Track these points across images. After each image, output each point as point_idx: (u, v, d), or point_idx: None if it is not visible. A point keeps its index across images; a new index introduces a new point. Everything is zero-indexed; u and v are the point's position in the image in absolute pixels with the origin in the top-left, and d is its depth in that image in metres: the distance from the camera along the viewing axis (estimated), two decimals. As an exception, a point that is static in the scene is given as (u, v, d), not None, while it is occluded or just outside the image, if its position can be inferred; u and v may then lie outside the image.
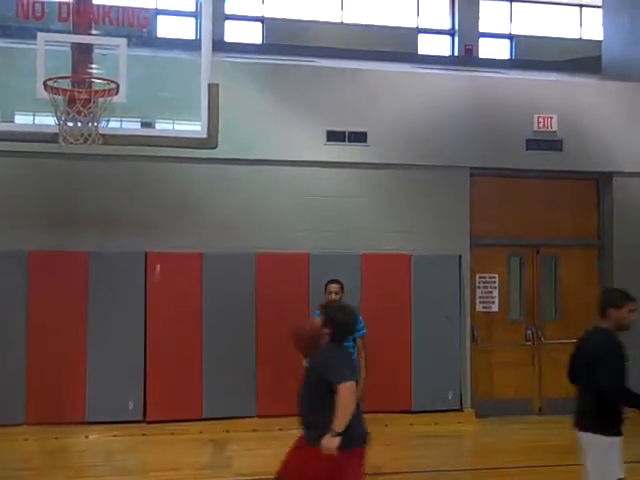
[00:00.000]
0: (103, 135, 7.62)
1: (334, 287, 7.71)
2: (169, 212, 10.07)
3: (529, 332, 11.24)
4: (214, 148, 8.50)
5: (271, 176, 10.38)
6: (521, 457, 8.91)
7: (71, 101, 7.28)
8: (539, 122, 11.13)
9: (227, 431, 9.67)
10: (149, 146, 8.47)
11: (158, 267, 9.96)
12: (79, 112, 7.19)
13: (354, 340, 7.51)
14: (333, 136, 10.58)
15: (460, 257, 10.85)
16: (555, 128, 11.15)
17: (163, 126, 10.09)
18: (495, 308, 11.02)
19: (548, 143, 11.17)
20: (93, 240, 9.82)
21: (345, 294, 7.95)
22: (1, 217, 9.64)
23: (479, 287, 11.01)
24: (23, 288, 9.53)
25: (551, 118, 11.15)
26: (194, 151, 9.65)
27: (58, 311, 9.62)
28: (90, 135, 7.34)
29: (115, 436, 9.44)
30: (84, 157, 9.67)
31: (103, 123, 7.55)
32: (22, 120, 9.45)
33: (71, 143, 7.39)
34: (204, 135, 8.25)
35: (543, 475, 8.21)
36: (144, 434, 9.51)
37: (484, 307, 11.02)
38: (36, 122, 8.92)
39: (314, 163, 10.50)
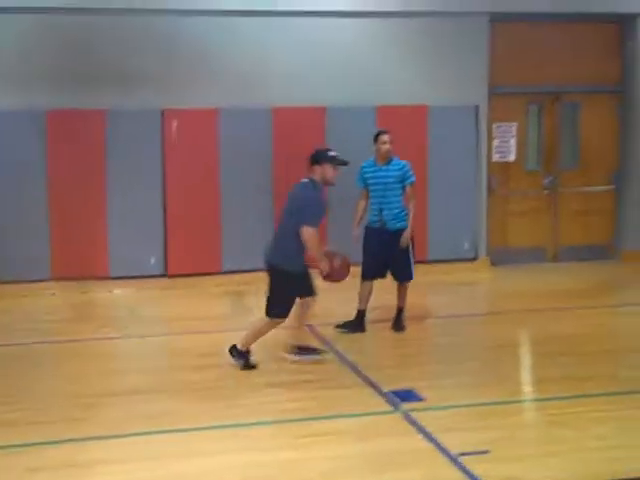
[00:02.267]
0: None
1: (386, 137, 7.70)
2: (184, 68, 9.95)
3: (546, 181, 11.22)
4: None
5: (284, 28, 10.15)
6: (534, 301, 9.09)
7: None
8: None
9: (245, 284, 9.90)
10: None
11: (175, 123, 9.94)
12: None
13: (403, 188, 7.64)
14: (348, -17, 10.26)
15: (477, 107, 10.71)
16: (579, -31, 10.72)
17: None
18: (512, 158, 10.96)
19: (571, -16, 10.76)
20: (110, 98, 9.76)
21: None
22: (17, 76, 9.58)
23: (496, 137, 10.90)
24: (41, 147, 9.59)
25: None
26: (204, 3, 9.47)
27: (77, 169, 9.72)
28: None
29: (138, 290, 9.72)
30: (95, 12, 9.56)
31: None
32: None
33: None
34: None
35: (556, 316, 8.39)
36: (166, 288, 9.79)
37: (500, 157, 10.95)
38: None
39: (329, 13, 10.21)
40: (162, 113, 9.85)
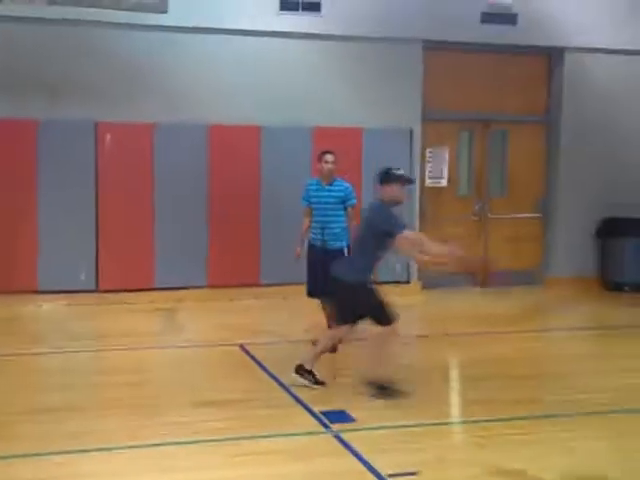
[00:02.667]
0: (49, -4, 7.32)
1: (329, 157, 7.78)
2: (120, 81, 9.90)
3: (477, 207, 11.46)
4: (164, 12, 8.27)
5: (222, 46, 10.19)
6: (463, 324, 9.28)
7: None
8: (495, -6, 11.01)
9: (178, 301, 9.84)
10: (97, 8, 8.15)
11: (108, 137, 9.85)
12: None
13: (345, 209, 7.75)
14: (286, 5, 10.35)
15: (411, 131, 10.89)
16: (510, 1, 11.03)
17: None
18: (444, 183, 11.18)
19: (503, 17, 11.07)
20: (42, 108, 9.62)
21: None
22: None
23: (429, 161, 11.11)
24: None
25: (506, -10, 11.02)
26: (145, 17, 9.42)
27: (6, 180, 9.54)
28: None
29: (68, 305, 9.56)
30: (32, 21, 9.42)
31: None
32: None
33: (17, 3, 7.06)
34: (155, -1, 8.00)
35: (484, 340, 8.56)
36: (96, 303, 9.66)
37: (433, 182, 11.16)
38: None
39: (266, 33, 10.30)
40: (96, 126, 9.74)
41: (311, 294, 7.87)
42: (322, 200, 7.78)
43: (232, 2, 10.11)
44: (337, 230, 7.73)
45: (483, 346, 8.28)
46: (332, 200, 7.74)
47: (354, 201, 7.83)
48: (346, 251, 7.66)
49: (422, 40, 10.87)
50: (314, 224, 7.82)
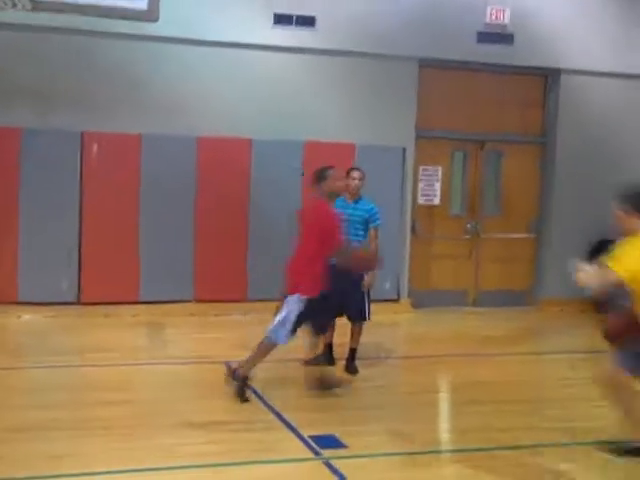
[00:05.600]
0: (33, 1, 7.12)
1: (356, 174, 7.60)
2: (108, 90, 9.67)
3: (469, 226, 11.32)
4: (155, 21, 8.10)
5: (214, 58, 10.00)
6: (454, 346, 9.09)
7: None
8: (491, 14, 10.89)
9: (164, 315, 9.61)
10: (83, 15, 7.96)
11: (95, 147, 9.64)
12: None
13: (366, 230, 7.53)
14: (281, 19, 10.19)
15: (404, 149, 10.75)
16: (507, 21, 10.93)
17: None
18: (437, 201, 11.03)
19: (499, 36, 10.96)
20: (27, 116, 9.39)
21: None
22: None
23: (422, 180, 10.97)
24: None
25: (503, 10, 10.91)
26: (135, 27, 9.28)
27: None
28: (20, 0, 6.86)
29: (49, 317, 9.31)
30: (17, 29, 9.20)
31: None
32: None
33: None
34: (144, 6, 7.82)
35: (475, 362, 8.38)
36: (78, 315, 9.40)
37: (426, 200, 11.01)
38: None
39: (260, 47, 10.13)
40: (82, 135, 9.53)
41: None
42: (344, 218, 7.36)
43: (226, 14, 9.93)
44: None
45: (474, 369, 8.09)
46: (356, 219, 7.49)
47: (378, 222, 7.64)
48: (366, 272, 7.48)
49: (418, 58, 10.73)
50: None
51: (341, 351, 7.86)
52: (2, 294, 9.31)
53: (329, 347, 7.78)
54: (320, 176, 6.78)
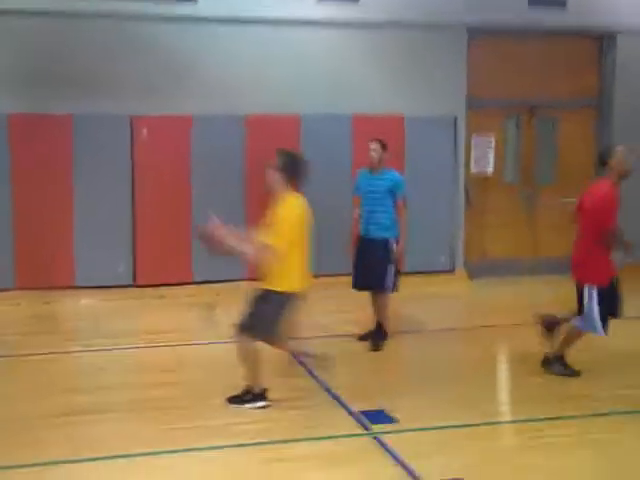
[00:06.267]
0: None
1: (373, 145, 7.58)
2: (154, 74, 9.69)
3: (524, 194, 11.07)
4: (195, 1, 8.03)
5: (258, 36, 9.92)
6: (512, 316, 8.89)
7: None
8: (543, -24, 10.57)
9: (217, 294, 9.65)
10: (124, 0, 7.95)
11: (145, 130, 9.68)
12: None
13: (394, 201, 7.52)
14: (325, -6, 10.06)
15: (456, 118, 10.55)
16: (559, -17, 10.60)
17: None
18: (490, 170, 10.81)
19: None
20: (77, 103, 9.48)
21: (389, 154, 7.73)
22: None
23: (474, 149, 10.76)
24: (4, 153, 9.28)
25: (556, -29, 10.59)
26: (178, 9, 9.25)
27: (42, 175, 9.42)
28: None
29: (105, 300, 9.43)
30: (65, 16, 9.29)
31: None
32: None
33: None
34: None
35: (534, 332, 8.19)
36: (134, 298, 9.50)
37: (479, 169, 10.80)
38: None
39: (304, 22, 10.01)
40: (131, 120, 9.59)
41: (354, 286, 7.75)
42: (369, 189, 7.59)
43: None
44: (383, 220, 7.52)
45: (530, 339, 7.90)
46: (381, 189, 7.51)
47: (404, 192, 7.61)
48: (392, 242, 7.47)
49: (466, 25, 10.49)
50: (363, 214, 7.66)
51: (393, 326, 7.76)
52: (59, 279, 9.47)
53: (378, 323, 7.71)
54: (605, 155, 6.54)
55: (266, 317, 5.75)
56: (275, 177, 5.73)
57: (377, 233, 7.53)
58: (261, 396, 5.90)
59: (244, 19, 9.79)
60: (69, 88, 9.49)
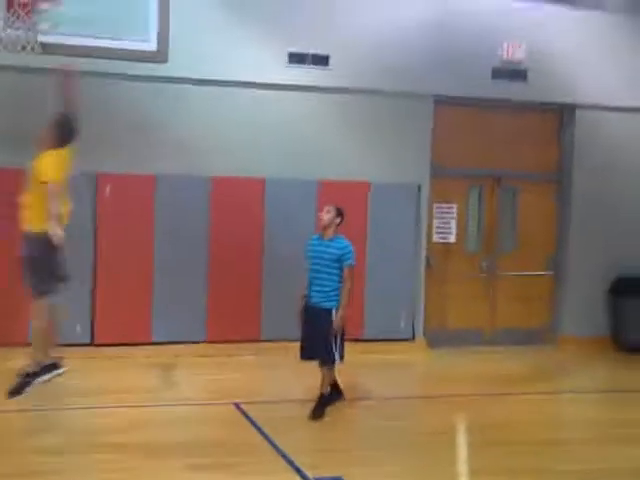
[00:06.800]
0: (43, 44, 7.21)
1: (325, 209, 7.51)
2: (120, 131, 9.66)
3: (485, 264, 11.19)
4: (164, 62, 8.13)
5: (227, 97, 10.01)
6: (470, 385, 8.91)
7: (10, 5, 6.88)
8: (507, 50, 10.86)
9: (176, 356, 9.54)
10: (93, 58, 8.00)
11: (108, 188, 9.66)
12: (18, 16, 6.80)
13: (341, 269, 7.36)
14: (295, 58, 10.22)
15: (419, 186, 10.69)
16: (522, 56, 10.88)
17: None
18: (452, 239, 10.93)
19: (514, 73, 10.92)
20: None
21: (344, 221, 7.60)
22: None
23: (437, 217, 10.88)
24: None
25: (519, 46, 10.88)
26: (146, 68, 9.30)
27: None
28: (29, 42, 6.97)
29: (62, 359, 9.24)
30: (30, 71, 9.23)
31: (44, 32, 7.13)
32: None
33: (9, 50, 6.99)
34: (154, 48, 7.88)
35: (491, 402, 8.21)
36: (91, 357, 9.34)
37: (441, 237, 10.91)
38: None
39: (274, 86, 10.13)
40: (96, 177, 9.57)
41: (301, 357, 7.53)
42: (317, 255, 7.45)
43: (237, 54, 9.96)
44: (327, 289, 7.35)
45: (490, 409, 7.93)
46: (327, 257, 7.38)
47: (352, 261, 7.42)
48: (334, 313, 7.32)
49: (433, 95, 10.71)
50: (309, 280, 7.50)
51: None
52: (13, 335, 9.26)
53: (333, 386, 7.61)
54: None
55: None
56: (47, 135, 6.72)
57: (321, 302, 7.37)
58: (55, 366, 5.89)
59: (213, 80, 9.87)
60: (29, 143, 9.41)
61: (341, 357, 7.41)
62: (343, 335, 7.42)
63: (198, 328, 9.86)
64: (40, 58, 8.77)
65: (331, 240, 7.46)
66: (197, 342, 9.82)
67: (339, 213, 7.53)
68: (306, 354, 7.49)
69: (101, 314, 9.60)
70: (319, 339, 7.32)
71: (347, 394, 7.76)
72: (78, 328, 9.49)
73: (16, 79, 9.33)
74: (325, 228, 7.49)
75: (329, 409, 7.37)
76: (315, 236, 7.66)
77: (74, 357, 9.13)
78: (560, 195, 11.50)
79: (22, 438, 6.62)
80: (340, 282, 7.39)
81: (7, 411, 7.23)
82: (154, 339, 9.70)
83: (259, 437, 6.64)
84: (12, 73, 9.22)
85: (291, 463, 5.99)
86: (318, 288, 7.38)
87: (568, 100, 11.20)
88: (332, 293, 7.36)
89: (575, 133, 11.32)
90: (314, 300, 7.40)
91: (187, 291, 9.82)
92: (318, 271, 7.41)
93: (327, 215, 7.49)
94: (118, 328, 9.59)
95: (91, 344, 9.54)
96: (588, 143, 11.31)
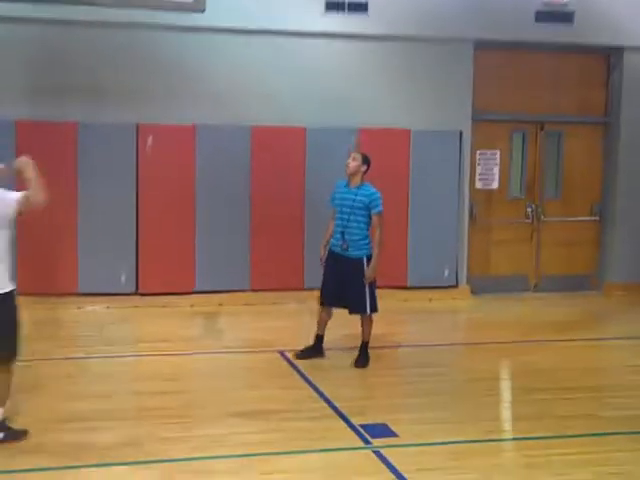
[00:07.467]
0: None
1: (352, 155, 7.32)
2: (161, 83, 9.70)
3: (529, 210, 11.05)
4: (202, 12, 8.05)
5: (266, 47, 9.93)
6: (514, 332, 8.87)
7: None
8: (552, -8, 10.57)
9: (220, 304, 9.63)
10: (130, 8, 7.96)
11: (150, 139, 9.68)
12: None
13: (369, 217, 7.21)
14: (332, 5, 10.05)
15: (461, 133, 10.54)
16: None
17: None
18: (495, 185, 10.79)
19: (559, 15, 10.62)
20: (82, 110, 9.49)
21: (370, 169, 7.38)
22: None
23: (479, 164, 10.74)
24: (10, 157, 9.25)
25: (563, -12, 10.58)
26: (185, 19, 9.24)
27: (47, 183, 9.37)
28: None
29: (107, 308, 9.42)
30: (70, 24, 9.30)
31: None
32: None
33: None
34: (190, -2, 7.79)
35: (536, 349, 8.18)
36: (136, 306, 9.49)
37: (484, 184, 10.78)
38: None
39: (311, 34, 10.01)
40: (137, 128, 9.59)
41: (322, 303, 7.43)
42: (346, 203, 7.24)
43: (275, 2, 9.84)
44: (356, 237, 7.19)
45: (534, 356, 7.89)
46: (357, 204, 7.18)
47: (380, 208, 7.22)
48: (365, 261, 7.21)
49: (473, 40, 10.49)
50: (336, 228, 7.30)
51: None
52: (62, 286, 9.46)
53: (319, 338, 7.53)
54: None
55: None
56: None
57: (351, 251, 7.20)
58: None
59: (251, 30, 9.80)
60: (73, 96, 9.50)
61: (372, 309, 7.27)
62: (373, 285, 7.27)
63: (242, 277, 9.93)
64: (74, 9, 8.83)
65: (358, 188, 7.26)
66: (241, 291, 9.90)
67: (365, 160, 7.33)
68: (329, 301, 7.35)
69: (145, 264, 9.70)
70: (349, 288, 7.20)
71: (391, 341, 7.76)
72: (123, 278, 9.63)
73: (47, 32, 9.37)
74: (352, 175, 7.29)
75: (372, 356, 7.40)
76: (342, 182, 7.42)
77: (119, 306, 9.44)
78: (607, 140, 11.26)
79: (69, 384, 6.75)
80: (368, 230, 7.26)
81: (55, 358, 7.40)
82: (197, 288, 9.80)
83: (304, 384, 6.70)
84: (42, 25, 9.27)
85: (336, 410, 6.05)
86: (347, 237, 7.19)
87: (616, 42, 10.89)
88: (362, 242, 7.21)
89: (623, 76, 11.03)
90: (342, 249, 7.22)
91: (230, 240, 9.86)
92: (347, 219, 7.20)
93: (353, 162, 7.28)
94: (162, 277, 9.70)
95: (136, 293, 9.67)
96: (637, 86, 11.02)
